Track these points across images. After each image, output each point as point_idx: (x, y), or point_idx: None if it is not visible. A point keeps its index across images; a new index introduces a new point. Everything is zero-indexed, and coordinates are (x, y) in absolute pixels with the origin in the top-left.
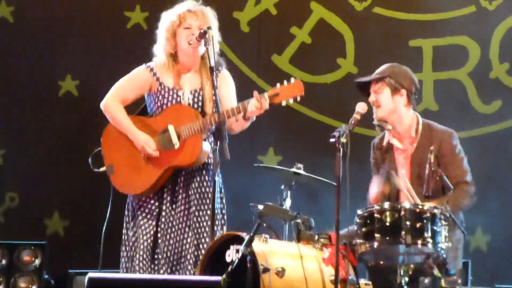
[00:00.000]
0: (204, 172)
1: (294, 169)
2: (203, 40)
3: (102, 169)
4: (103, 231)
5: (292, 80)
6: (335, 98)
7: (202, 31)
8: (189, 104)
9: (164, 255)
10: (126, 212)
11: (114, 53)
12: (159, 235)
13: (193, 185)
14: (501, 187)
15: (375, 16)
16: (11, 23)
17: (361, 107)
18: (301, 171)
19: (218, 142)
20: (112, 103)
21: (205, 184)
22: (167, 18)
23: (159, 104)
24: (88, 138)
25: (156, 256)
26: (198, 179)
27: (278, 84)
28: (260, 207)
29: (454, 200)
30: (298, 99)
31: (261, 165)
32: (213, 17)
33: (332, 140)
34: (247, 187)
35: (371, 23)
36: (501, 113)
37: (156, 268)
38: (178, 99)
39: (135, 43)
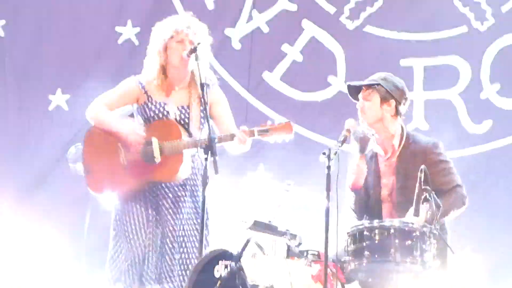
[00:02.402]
0: (187, 190)
1: (284, 186)
2: (193, 56)
3: (78, 164)
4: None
5: (283, 120)
6: (325, 116)
7: (192, 47)
8: (175, 120)
9: (153, 270)
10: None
11: (105, 68)
12: (146, 250)
13: (177, 204)
14: (492, 206)
15: (366, 35)
16: (2, 37)
17: (350, 124)
18: (291, 188)
19: (208, 157)
20: (97, 106)
21: (186, 203)
22: (160, 30)
23: (146, 116)
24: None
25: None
26: (181, 198)
27: (268, 121)
28: (250, 223)
29: (448, 203)
30: (287, 139)
31: (251, 180)
32: (206, 33)
33: (322, 157)
34: (237, 203)
35: (363, 42)
36: (491, 133)
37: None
38: (165, 114)
39: (126, 58)
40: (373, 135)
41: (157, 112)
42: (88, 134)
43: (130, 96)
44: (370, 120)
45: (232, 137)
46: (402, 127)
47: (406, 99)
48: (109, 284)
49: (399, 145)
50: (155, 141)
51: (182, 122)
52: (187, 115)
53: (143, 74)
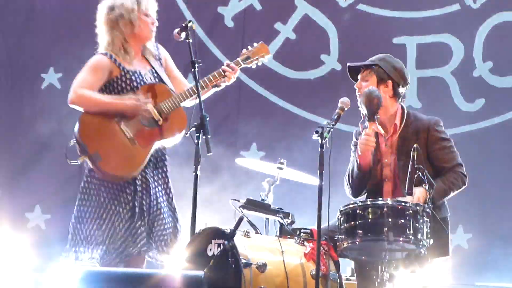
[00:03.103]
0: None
1: (276, 165)
2: (184, 34)
3: (80, 159)
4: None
5: (255, 44)
6: (318, 94)
7: (183, 25)
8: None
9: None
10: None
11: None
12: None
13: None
14: (483, 185)
15: (359, 13)
16: None
17: (343, 103)
18: (284, 167)
19: (200, 136)
20: (82, 91)
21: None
22: (124, 2)
23: (128, 88)
24: (70, 131)
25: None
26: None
27: (244, 50)
28: (242, 202)
29: (449, 182)
30: (267, 59)
31: (243, 159)
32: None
33: (315, 136)
34: (229, 182)
35: (355, 20)
36: (484, 112)
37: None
38: (143, 80)
39: None
40: (377, 118)
41: (138, 80)
42: (80, 125)
43: (106, 73)
44: None
45: (223, 73)
46: (402, 106)
47: (405, 80)
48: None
49: (401, 123)
50: (150, 106)
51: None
52: (159, 76)
53: (106, 45)
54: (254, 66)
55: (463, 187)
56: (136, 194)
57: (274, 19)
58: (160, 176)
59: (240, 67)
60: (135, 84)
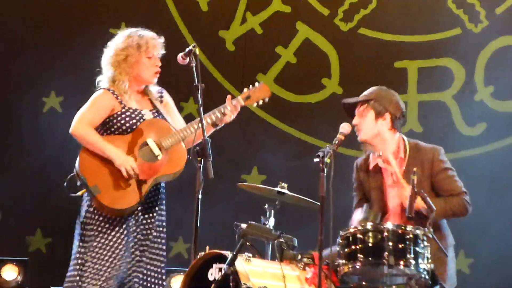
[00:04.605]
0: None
1: (278, 189)
2: (188, 58)
3: (80, 192)
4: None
5: (257, 84)
6: (319, 118)
7: (188, 49)
8: None
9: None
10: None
11: (99, 70)
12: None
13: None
14: (485, 210)
15: (360, 37)
16: None
17: (344, 128)
18: (285, 191)
19: (202, 160)
20: (83, 127)
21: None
22: (133, 41)
23: (127, 125)
24: (72, 155)
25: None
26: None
27: (245, 89)
28: (244, 226)
29: (451, 205)
30: (267, 100)
31: (244, 184)
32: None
33: (316, 160)
34: (231, 206)
35: (357, 44)
36: (486, 136)
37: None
38: (142, 118)
39: None
40: (379, 155)
41: (138, 118)
42: (81, 159)
43: (108, 110)
44: (367, 136)
45: (220, 113)
46: (403, 138)
47: (401, 111)
48: None
49: (405, 155)
50: (150, 141)
51: None
52: (161, 115)
53: (111, 82)
54: (254, 105)
55: (466, 214)
56: (130, 228)
57: (275, 43)
58: (151, 215)
59: (241, 106)
60: (134, 121)
